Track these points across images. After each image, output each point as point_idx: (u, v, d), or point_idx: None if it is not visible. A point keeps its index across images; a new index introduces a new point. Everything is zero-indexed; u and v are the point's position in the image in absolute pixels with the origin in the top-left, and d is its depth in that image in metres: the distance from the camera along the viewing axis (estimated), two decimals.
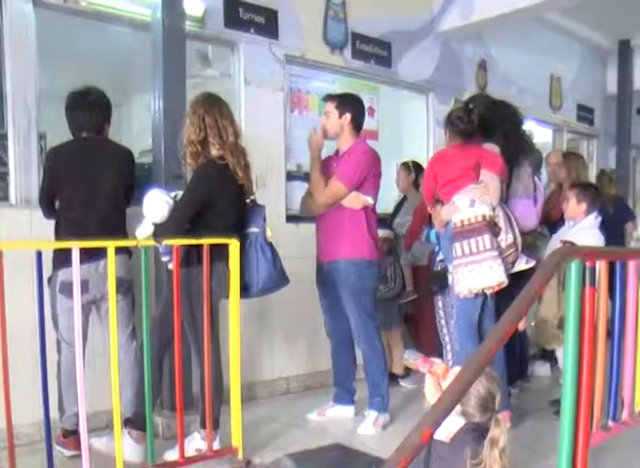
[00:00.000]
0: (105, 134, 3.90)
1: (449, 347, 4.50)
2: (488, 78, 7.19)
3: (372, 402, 4.27)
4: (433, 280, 4.49)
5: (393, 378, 5.25)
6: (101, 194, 3.69)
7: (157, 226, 3.48)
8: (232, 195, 3.61)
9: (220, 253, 3.44)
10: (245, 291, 3.64)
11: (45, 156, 3.86)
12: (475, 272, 3.83)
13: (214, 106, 3.62)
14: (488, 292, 3.91)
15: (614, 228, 6.47)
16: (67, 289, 3.31)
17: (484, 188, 3.90)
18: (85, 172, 3.68)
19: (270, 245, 3.70)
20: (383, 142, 5.99)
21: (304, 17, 5.33)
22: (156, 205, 3.47)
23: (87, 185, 3.66)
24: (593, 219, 4.40)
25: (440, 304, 4.46)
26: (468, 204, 3.88)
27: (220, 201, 3.54)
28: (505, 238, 3.91)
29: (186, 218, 3.50)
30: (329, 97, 4.37)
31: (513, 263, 3.97)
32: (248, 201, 3.73)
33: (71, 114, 3.82)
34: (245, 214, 3.72)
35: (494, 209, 3.91)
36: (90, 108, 3.79)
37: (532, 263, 4.01)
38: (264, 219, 3.72)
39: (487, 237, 3.82)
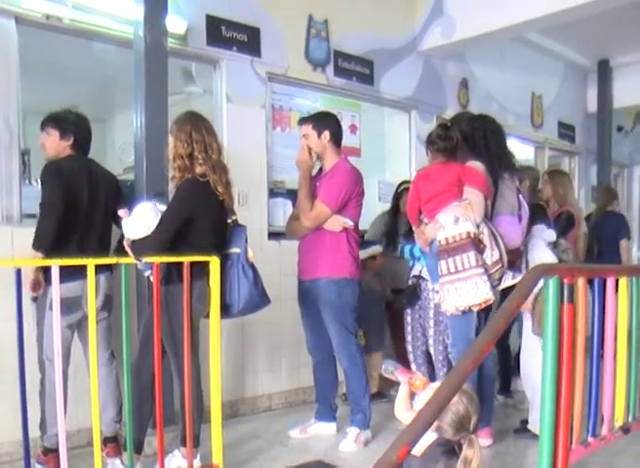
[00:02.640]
0: None
1: (413, 366, 4.51)
2: (470, 96, 7.25)
3: (353, 418, 4.27)
4: (404, 294, 4.53)
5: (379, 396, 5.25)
6: (99, 211, 3.73)
7: (137, 241, 3.47)
8: (214, 213, 3.62)
9: (200, 270, 3.44)
10: (226, 311, 3.64)
11: (45, 171, 3.76)
12: (461, 289, 3.83)
13: (200, 123, 3.65)
14: (475, 309, 3.90)
15: (608, 244, 6.55)
16: (61, 306, 3.28)
17: (468, 205, 3.90)
18: (86, 189, 3.66)
19: (252, 265, 3.70)
20: (366, 160, 6.01)
21: (287, 35, 5.38)
22: (145, 219, 3.47)
23: (88, 203, 3.66)
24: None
25: (409, 319, 4.47)
26: (452, 221, 3.88)
27: (201, 218, 3.54)
28: (491, 254, 3.90)
29: (168, 236, 3.49)
30: (303, 121, 4.40)
31: (500, 280, 3.97)
32: (229, 221, 3.74)
33: (73, 132, 3.79)
34: (226, 234, 3.73)
35: (478, 226, 3.91)
36: (88, 130, 3.86)
37: (519, 278, 4.01)
38: (246, 240, 3.72)
39: (472, 254, 3.82)
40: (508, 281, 4.01)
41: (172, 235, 3.50)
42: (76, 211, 3.62)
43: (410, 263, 4.55)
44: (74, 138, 3.79)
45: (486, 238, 3.91)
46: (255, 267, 3.71)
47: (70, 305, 3.45)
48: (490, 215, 4.08)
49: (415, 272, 4.38)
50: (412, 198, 4.16)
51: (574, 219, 5.49)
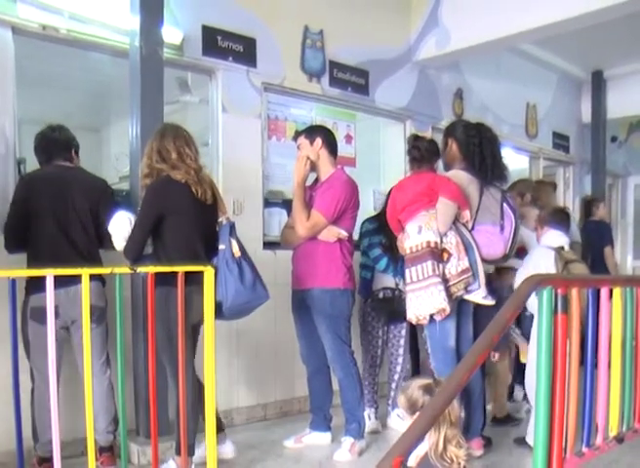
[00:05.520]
0: (75, 163, 3.98)
1: None
2: (465, 106, 7.27)
3: (348, 428, 4.26)
4: (384, 308, 4.64)
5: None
6: (74, 221, 3.73)
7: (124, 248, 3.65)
8: (188, 210, 3.67)
9: (192, 276, 3.40)
10: (219, 310, 3.62)
11: (17, 184, 3.86)
12: (421, 298, 3.85)
13: (166, 131, 3.76)
14: (437, 318, 3.89)
15: (596, 253, 6.61)
16: (38, 314, 3.30)
17: (432, 215, 3.92)
18: (58, 199, 3.69)
19: (238, 261, 3.70)
20: (361, 170, 6.03)
21: (282, 45, 5.40)
22: (119, 223, 3.63)
23: (60, 212, 3.67)
24: None
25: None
26: (416, 231, 3.92)
27: (174, 215, 3.63)
28: (457, 264, 3.89)
29: (141, 239, 3.64)
30: (297, 134, 4.46)
31: (466, 289, 3.95)
32: (220, 220, 3.80)
33: (39, 147, 3.92)
34: (215, 234, 3.78)
35: (446, 235, 3.92)
36: (55, 139, 3.90)
37: (489, 302, 4.01)
38: (231, 234, 3.74)
39: (429, 263, 3.83)
40: (479, 299, 4.01)
41: (145, 237, 3.65)
42: (42, 220, 3.68)
43: (368, 275, 4.78)
44: (37, 154, 3.95)
45: (453, 247, 3.92)
46: (241, 263, 3.70)
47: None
48: (472, 225, 4.09)
49: (387, 284, 4.62)
50: (390, 209, 4.21)
51: None
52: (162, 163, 3.66)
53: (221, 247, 3.71)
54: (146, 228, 3.63)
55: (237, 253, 3.71)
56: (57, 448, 2.98)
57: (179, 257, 3.52)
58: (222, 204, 3.87)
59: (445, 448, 2.45)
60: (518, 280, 4.38)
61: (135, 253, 3.63)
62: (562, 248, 4.34)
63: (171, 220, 3.63)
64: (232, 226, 3.78)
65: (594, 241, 6.82)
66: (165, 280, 3.32)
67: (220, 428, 3.80)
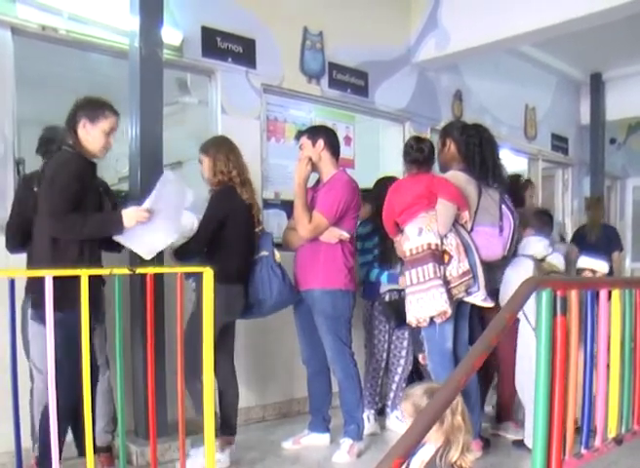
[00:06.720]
0: None
1: None
2: (464, 108, 7.28)
3: (347, 430, 4.26)
4: (390, 312, 4.63)
5: None
6: None
7: (180, 247, 3.93)
8: (242, 217, 4.05)
9: (240, 276, 3.99)
10: (259, 307, 4.12)
11: (18, 184, 3.86)
12: (422, 301, 3.85)
13: (232, 145, 4.16)
14: (437, 320, 3.89)
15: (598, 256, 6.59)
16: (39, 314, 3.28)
17: (432, 217, 3.91)
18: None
19: (280, 265, 4.11)
20: (360, 171, 6.02)
21: (282, 46, 5.41)
22: (186, 222, 3.88)
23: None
24: None
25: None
26: (416, 233, 3.90)
27: (231, 220, 3.97)
28: (458, 266, 3.89)
29: (206, 236, 3.95)
30: (299, 133, 4.49)
31: (467, 290, 3.95)
32: (257, 230, 4.18)
33: (40, 148, 3.87)
34: (255, 242, 4.16)
35: (446, 236, 3.92)
36: (56, 140, 3.85)
37: (488, 304, 4.03)
38: (273, 244, 4.15)
39: (430, 266, 3.82)
40: (478, 301, 4.02)
41: (207, 239, 3.97)
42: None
43: (372, 276, 4.77)
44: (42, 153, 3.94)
45: (454, 249, 3.91)
46: (282, 267, 4.12)
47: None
48: (471, 226, 4.09)
49: (393, 286, 4.62)
50: (387, 211, 4.18)
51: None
52: (237, 176, 4.06)
53: (264, 253, 4.11)
54: (209, 231, 3.96)
55: (279, 258, 4.14)
56: (55, 448, 2.98)
57: (231, 261, 3.95)
58: (259, 216, 4.29)
59: (459, 456, 2.42)
60: (508, 290, 4.31)
61: (195, 252, 3.97)
62: (543, 259, 4.31)
63: (229, 227, 3.98)
64: (272, 236, 4.24)
65: (603, 245, 6.78)
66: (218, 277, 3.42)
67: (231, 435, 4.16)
